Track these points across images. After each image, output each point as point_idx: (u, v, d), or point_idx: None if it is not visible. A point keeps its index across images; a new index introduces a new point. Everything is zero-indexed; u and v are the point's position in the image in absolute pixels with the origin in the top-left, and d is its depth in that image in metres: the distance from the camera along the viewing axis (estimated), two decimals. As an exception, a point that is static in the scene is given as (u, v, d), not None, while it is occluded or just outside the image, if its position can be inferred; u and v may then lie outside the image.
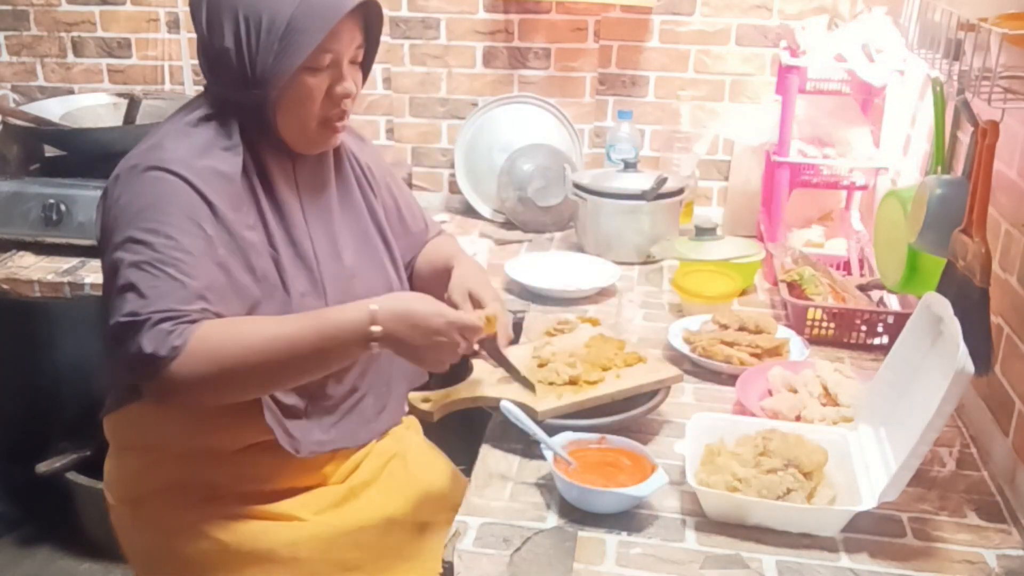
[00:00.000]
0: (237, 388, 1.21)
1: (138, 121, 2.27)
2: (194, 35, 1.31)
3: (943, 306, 1.22)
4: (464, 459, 1.53)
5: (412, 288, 1.53)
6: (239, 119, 1.28)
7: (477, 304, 1.40)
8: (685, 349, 1.65)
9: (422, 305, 1.23)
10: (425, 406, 1.35)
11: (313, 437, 1.36)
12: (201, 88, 1.35)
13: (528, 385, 1.40)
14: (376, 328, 1.19)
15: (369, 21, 1.32)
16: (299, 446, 1.33)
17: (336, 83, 1.28)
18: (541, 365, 1.46)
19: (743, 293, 1.97)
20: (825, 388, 1.48)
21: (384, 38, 2.37)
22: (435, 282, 1.52)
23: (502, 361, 1.38)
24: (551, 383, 1.42)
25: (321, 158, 1.39)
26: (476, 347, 1.29)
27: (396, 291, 1.44)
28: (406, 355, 1.24)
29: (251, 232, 1.27)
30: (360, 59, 1.33)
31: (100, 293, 1.96)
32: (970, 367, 1.09)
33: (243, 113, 1.28)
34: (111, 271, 1.19)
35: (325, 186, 1.39)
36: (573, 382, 1.42)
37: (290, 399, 1.32)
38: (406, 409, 1.50)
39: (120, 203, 1.22)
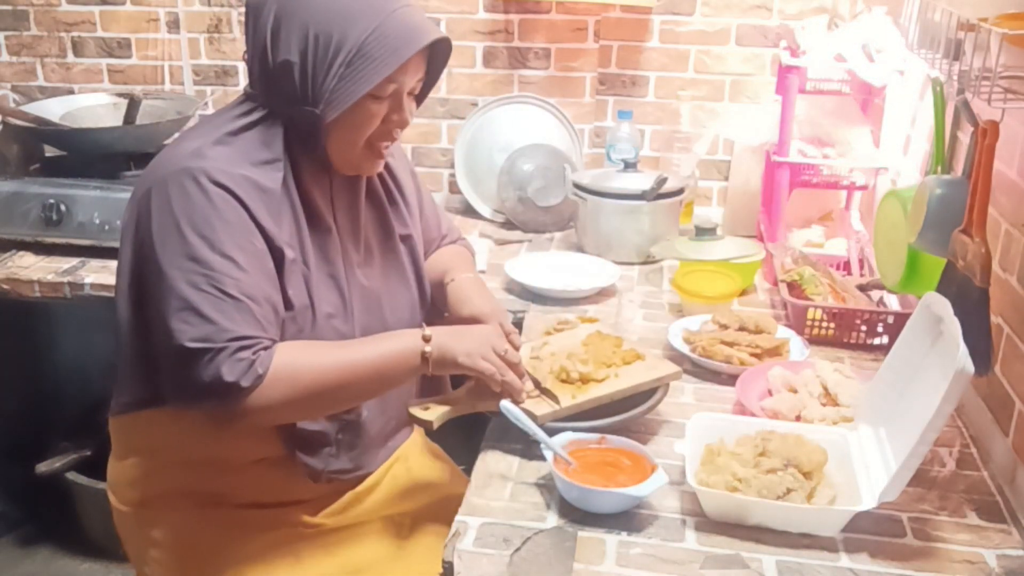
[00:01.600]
0: (310, 410, 1.27)
1: (138, 121, 2.27)
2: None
3: (943, 306, 1.22)
4: (464, 459, 1.53)
5: None
6: (285, 132, 1.26)
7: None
8: (685, 349, 1.65)
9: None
10: (424, 414, 1.35)
11: (338, 465, 1.36)
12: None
13: (553, 398, 1.40)
14: (428, 348, 1.27)
15: (434, 55, 1.31)
16: (318, 475, 1.34)
17: (394, 112, 1.27)
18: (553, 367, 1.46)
19: (743, 293, 1.97)
20: (825, 388, 1.48)
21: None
22: (432, 293, 1.52)
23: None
24: (563, 380, 1.42)
25: (357, 178, 1.37)
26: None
27: (419, 314, 1.47)
28: (454, 357, 1.29)
29: (288, 248, 1.25)
30: (418, 91, 1.32)
31: (100, 293, 1.99)
32: (970, 367, 1.09)
33: (292, 126, 1.26)
34: (162, 285, 1.17)
35: (357, 206, 1.38)
36: (584, 380, 1.42)
37: (319, 426, 1.32)
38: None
39: (167, 212, 1.18)
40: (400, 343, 1.28)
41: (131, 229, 1.24)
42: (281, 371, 1.17)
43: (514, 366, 1.34)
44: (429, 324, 1.33)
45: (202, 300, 1.15)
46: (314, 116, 1.22)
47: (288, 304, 1.25)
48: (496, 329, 1.37)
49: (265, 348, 1.18)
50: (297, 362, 1.19)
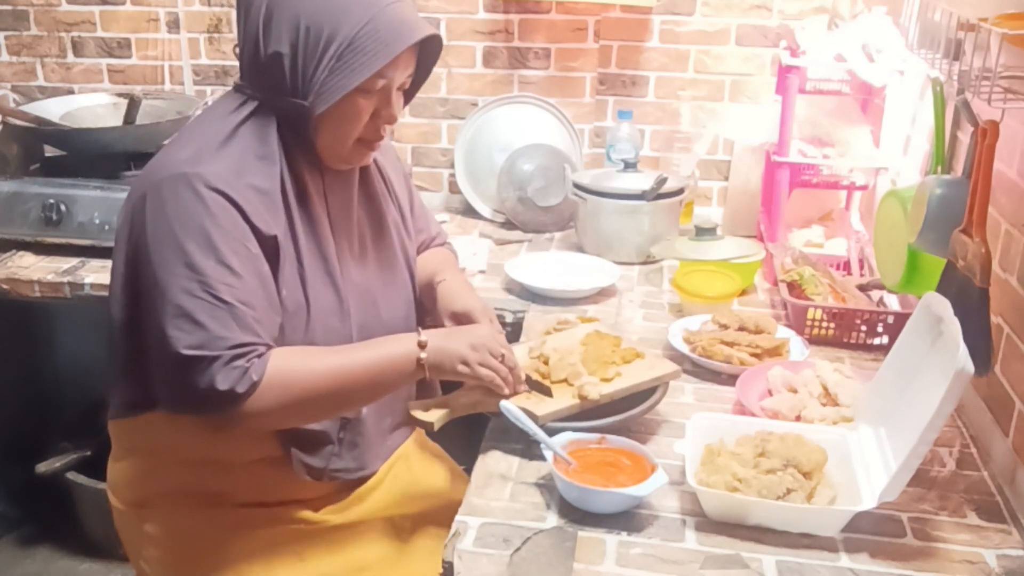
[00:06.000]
0: (304, 416, 1.26)
1: (138, 121, 2.27)
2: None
3: (943, 306, 1.22)
4: (465, 459, 1.53)
5: None
6: (278, 125, 1.26)
7: (465, 323, 1.43)
8: (685, 349, 1.65)
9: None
10: (425, 416, 1.35)
11: (341, 464, 1.37)
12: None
13: (545, 390, 1.41)
14: (423, 354, 1.27)
15: (424, 52, 1.30)
16: (320, 473, 1.34)
17: (383, 107, 1.26)
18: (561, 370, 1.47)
19: (743, 293, 1.97)
20: (825, 388, 1.49)
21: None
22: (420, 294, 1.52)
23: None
24: (564, 380, 1.42)
25: (349, 172, 1.37)
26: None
27: (412, 311, 1.47)
28: (452, 364, 1.29)
29: (283, 246, 1.25)
30: (407, 86, 1.31)
31: (100, 293, 1.99)
32: (970, 367, 1.09)
33: (282, 119, 1.26)
34: (156, 291, 1.16)
35: (351, 200, 1.38)
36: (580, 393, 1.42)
37: (320, 425, 1.32)
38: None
39: (162, 218, 1.17)
40: (396, 348, 1.28)
41: (125, 233, 1.24)
42: (275, 377, 1.17)
43: (512, 369, 1.34)
44: (420, 324, 1.32)
45: (197, 307, 1.14)
46: (303, 109, 1.22)
47: (283, 304, 1.25)
48: (491, 330, 1.37)
49: (259, 355, 1.17)
50: (291, 368, 1.19)
